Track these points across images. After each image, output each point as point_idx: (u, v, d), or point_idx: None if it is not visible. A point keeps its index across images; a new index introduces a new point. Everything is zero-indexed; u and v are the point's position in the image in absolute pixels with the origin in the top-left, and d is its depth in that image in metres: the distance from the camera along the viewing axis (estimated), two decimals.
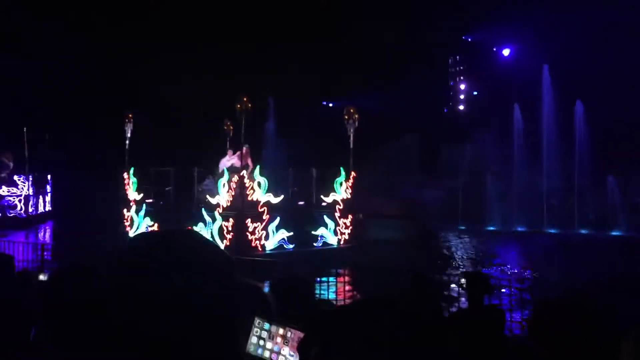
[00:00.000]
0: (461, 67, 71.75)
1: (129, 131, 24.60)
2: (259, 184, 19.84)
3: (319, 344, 1.48)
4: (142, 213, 22.94)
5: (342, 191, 21.69)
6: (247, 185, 19.65)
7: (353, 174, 21.93)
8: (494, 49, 60.70)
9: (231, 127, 25.37)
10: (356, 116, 22.05)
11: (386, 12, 56.49)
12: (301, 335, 1.92)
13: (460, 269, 19.44)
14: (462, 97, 71.57)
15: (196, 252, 1.25)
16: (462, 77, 71.59)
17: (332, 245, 21.44)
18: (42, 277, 10.24)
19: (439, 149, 46.10)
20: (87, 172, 37.25)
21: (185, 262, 1.21)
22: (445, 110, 70.84)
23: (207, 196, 20.44)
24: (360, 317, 1.47)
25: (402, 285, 5.90)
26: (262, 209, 19.75)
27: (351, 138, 22.01)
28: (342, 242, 21.73)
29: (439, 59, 66.64)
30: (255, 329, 2.16)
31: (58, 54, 43.33)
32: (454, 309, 10.69)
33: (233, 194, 19.66)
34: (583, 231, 31.79)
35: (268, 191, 20.26)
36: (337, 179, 21.71)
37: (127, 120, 24.69)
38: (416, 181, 36.83)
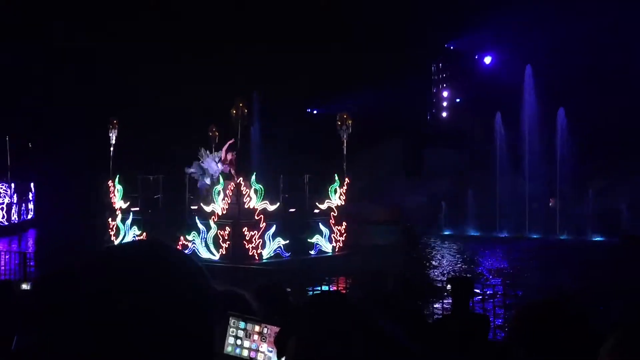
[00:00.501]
0: (444, 75, 72.28)
1: (114, 138, 24.08)
2: (256, 192, 19.31)
3: (296, 336, 1.55)
4: (128, 222, 22.32)
5: (336, 198, 21.35)
6: (243, 192, 19.15)
7: (347, 180, 21.67)
8: (476, 57, 61.29)
9: (217, 133, 24.91)
10: (349, 122, 21.83)
11: (370, 20, 56.84)
12: (277, 329, 1.94)
13: (445, 274, 19.61)
14: (445, 104, 72.09)
15: (165, 264, 1.24)
16: (444, 85, 72.14)
17: (327, 252, 21.04)
18: (24, 286, 10.21)
19: (423, 154, 46.38)
20: (72, 180, 36.86)
21: (152, 275, 1.21)
22: (428, 116, 71.31)
23: (202, 204, 19.96)
24: (318, 310, 1.59)
25: (389, 289, 5.99)
26: (259, 217, 19.18)
27: (344, 144, 21.85)
28: (337, 250, 21.36)
29: (422, 66, 67.15)
30: (231, 329, 2.16)
31: (40, 60, 42.98)
32: (438, 315, 10.81)
33: (229, 201, 19.14)
34: (564, 237, 32.15)
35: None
36: (331, 186, 21.31)
37: (111, 127, 24.15)
38: (400, 186, 37.02)
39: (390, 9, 57.61)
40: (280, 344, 1.67)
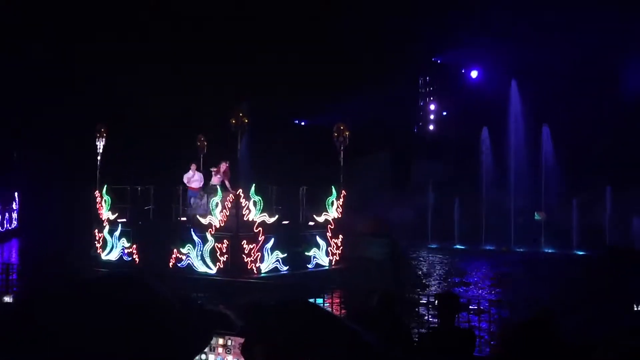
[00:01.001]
0: (431, 88, 72.82)
1: (101, 146, 23.26)
2: (255, 204, 18.69)
3: (261, 344, 1.56)
4: (117, 234, 21.47)
5: (333, 210, 20.98)
6: (243, 204, 18.48)
7: (343, 192, 21.30)
8: (462, 71, 61.81)
9: (205, 143, 24.41)
10: (346, 133, 21.47)
11: (358, 32, 57.16)
12: (241, 340, 1.92)
13: (431, 289, 19.65)
14: (432, 117, 72.57)
15: (144, 304, 1.24)
16: (431, 98, 72.64)
17: (324, 266, 20.58)
18: (7, 299, 10.06)
19: (410, 167, 46.56)
20: (58, 189, 36.42)
21: (128, 308, 1.21)
22: (415, 129, 71.70)
23: (198, 216, 19.38)
24: (282, 317, 1.61)
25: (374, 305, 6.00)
26: (258, 230, 18.63)
27: (341, 155, 21.53)
28: (333, 263, 20.95)
29: (409, 79, 67.61)
30: None
31: (26, 66, 42.65)
32: (424, 329, 10.82)
33: (228, 213, 18.50)
34: (549, 250, 32.35)
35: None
36: (328, 198, 20.93)
37: (99, 135, 23.26)
38: (387, 198, 37.10)
39: (378, 21, 58.06)
40: (246, 354, 1.65)
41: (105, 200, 21.88)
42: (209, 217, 18.87)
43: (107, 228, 21.74)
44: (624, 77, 36.47)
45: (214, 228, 18.65)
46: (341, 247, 21.24)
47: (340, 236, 21.20)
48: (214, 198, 18.95)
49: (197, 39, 51.05)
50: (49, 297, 1.33)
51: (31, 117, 42.46)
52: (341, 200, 21.14)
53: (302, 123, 59.76)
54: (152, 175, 28.56)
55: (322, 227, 20.72)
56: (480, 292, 19.14)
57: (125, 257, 20.98)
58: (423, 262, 28.34)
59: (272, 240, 18.96)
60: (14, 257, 28.64)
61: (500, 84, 39.19)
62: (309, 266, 20.14)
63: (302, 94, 53.04)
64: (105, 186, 22.07)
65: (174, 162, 25.23)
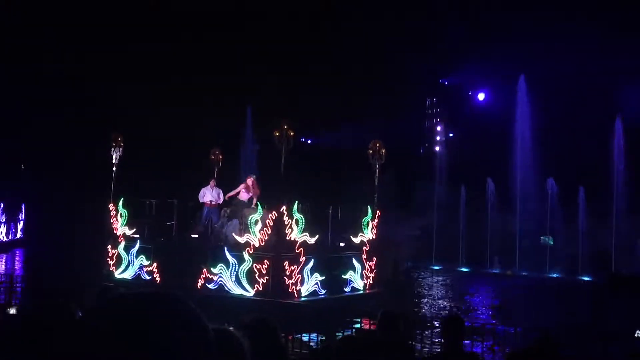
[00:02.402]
0: (437, 109, 73.11)
1: (117, 157, 21.45)
2: (297, 222, 17.34)
3: None
4: (134, 250, 19.86)
5: (369, 231, 19.76)
6: (285, 223, 17.05)
7: (378, 212, 20.15)
8: (469, 93, 62.12)
9: (220, 157, 22.92)
10: (383, 151, 20.21)
11: (365, 52, 57.59)
12: None
13: (436, 311, 19.63)
14: (438, 138, 72.76)
15: (171, 324, 1.22)
16: (438, 119, 72.89)
17: (359, 290, 19.34)
18: (11, 310, 10.13)
19: (415, 188, 46.59)
20: (63, 201, 36.22)
21: (155, 335, 1.19)
22: (421, 150, 71.83)
23: (233, 234, 17.98)
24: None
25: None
26: (299, 250, 17.28)
27: (377, 174, 20.20)
28: (367, 287, 19.68)
29: (416, 100, 67.91)
30: None
31: (38, 75, 42.75)
32: (427, 350, 10.84)
33: (269, 232, 17.04)
34: (554, 275, 32.25)
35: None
36: (364, 218, 19.73)
37: (114, 145, 21.46)
38: (391, 219, 37.09)
39: (385, 43, 58.47)
40: None
41: (121, 214, 20.31)
42: (245, 235, 17.39)
43: (122, 244, 20.13)
44: (629, 103, 36.65)
45: (252, 247, 17.26)
46: (375, 271, 20.08)
47: (374, 258, 20.04)
48: (252, 215, 17.44)
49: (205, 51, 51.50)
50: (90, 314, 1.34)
51: (40, 129, 42.49)
52: (376, 220, 20.04)
53: (309, 141, 60.02)
54: (169, 188, 27.56)
55: (357, 249, 19.48)
56: (483, 316, 19.11)
57: (143, 276, 19.51)
58: (425, 284, 28.29)
59: (312, 261, 17.63)
60: (18, 268, 28.74)
61: (507, 106, 39.36)
62: (346, 290, 18.90)
63: (308, 114, 53.34)
64: (122, 199, 20.53)
65: (193, 177, 24.28)
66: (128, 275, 19.88)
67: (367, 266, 19.63)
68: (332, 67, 55.76)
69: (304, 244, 17.40)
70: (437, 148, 73.09)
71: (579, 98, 41.68)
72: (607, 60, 38.67)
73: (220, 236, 19.01)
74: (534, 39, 48.18)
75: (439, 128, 72.56)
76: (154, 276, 19.31)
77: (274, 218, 17.06)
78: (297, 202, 17.69)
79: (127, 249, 20.01)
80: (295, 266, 17.13)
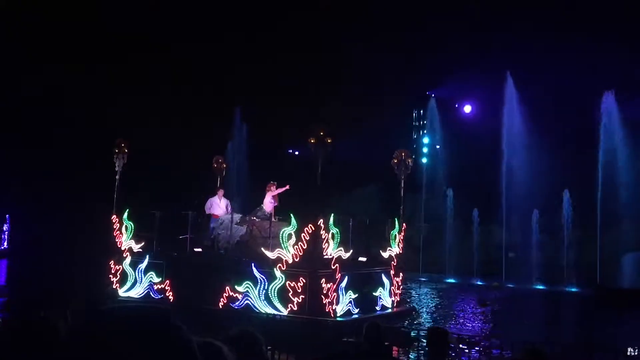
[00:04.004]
0: (424, 121, 73.47)
1: (121, 165, 19.72)
2: (333, 236, 15.98)
3: None
4: (142, 266, 18.19)
5: (396, 245, 18.70)
6: (322, 237, 15.63)
7: (404, 225, 19.25)
8: (456, 105, 62.52)
9: (224, 165, 21.57)
10: (409, 161, 19.47)
11: (352, 64, 57.81)
12: None
13: (421, 323, 19.56)
14: (425, 150, 73.01)
15: (154, 338, 1.22)
16: (425, 131, 73.22)
17: (388, 308, 18.20)
18: None
19: (401, 199, 46.59)
20: (64, 210, 34.60)
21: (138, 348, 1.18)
22: (408, 162, 72.01)
23: (262, 248, 16.47)
24: None
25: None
26: (335, 266, 15.93)
27: (402, 184, 19.41)
28: (395, 305, 18.58)
29: (403, 111, 68.20)
30: None
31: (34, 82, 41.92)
32: None
33: (305, 247, 15.63)
34: (540, 286, 32.36)
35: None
36: (392, 231, 18.62)
37: (117, 151, 19.83)
38: (378, 230, 37.07)
39: (371, 54, 58.75)
40: None
41: (126, 227, 18.68)
42: (277, 250, 15.92)
43: (128, 259, 18.49)
44: (610, 117, 37.16)
45: (284, 263, 15.82)
46: (401, 287, 19.08)
47: (401, 274, 18.94)
48: (285, 229, 15.95)
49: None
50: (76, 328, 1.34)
51: (32, 139, 41.26)
52: (402, 234, 19.02)
53: (296, 152, 60.03)
54: (174, 199, 26.33)
55: (386, 264, 18.33)
56: (469, 328, 19.07)
57: (154, 295, 17.82)
58: (412, 295, 28.23)
59: (346, 278, 16.34)
60: (1, 279, 28.38)
61: (494, 118, 39.65)
62: (377, 308, 17.74)
63: (295, 124, 53.34)
64: (127, 211, 18.85)
65: (194, 186, 23.27)
66: (135, 293, 18.21)
67: (394, 282, 18.49)
68: (319, 78, 55.93)
69: (339, 259, 16.11)
70: (424, 160, 73.47)
71: (563, 109, 42.09)
72: (589, 77, 39.19)
73: (227, 247, 17.77)
74: (519, 52, 48.65)
75: (426, 140, 72.89)
76: (166, 294, 17.67)
77: (310, 232, 15.58)
78: (333, 214, 16.36)
79: (134, 264, 18.36)
80: (332, 284, 15.72)
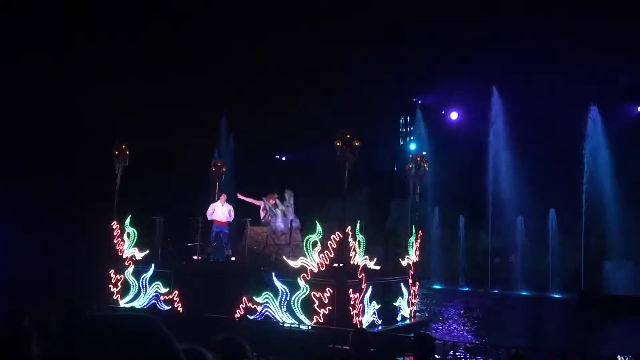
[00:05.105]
0: (411, 128, 73.84)
1: (121, 168, 18.51)
2: (359, 244, 15.23)
3: None
4: (147, 276, 17.22)
5: (413, 253, 18.09)
6: (350, 245, 14.86)
7: (420, 232, 18.54)
8: (442, 112, 62.85)
9: (223, 169, 20.61)
10: (425, 165, 18.67)
11: (340, 71, 58.04)
12: None
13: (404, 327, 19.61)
14: (411, 156, 73.45)
15: (140, 347, 1.22)
16: (411, 137, 73.59)
17: (406, 318, 17.55)
18: None
19: (389, 205, 46.79)
20: (66, 218, 33.00)
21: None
22: (395, 168, 72.29)
23: (284, 257, 15.74)
24: None
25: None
26: (361, 276, 15.15)
27: (417, 190, 18.80)
28: (412, 315, 17.94)
29: (390, 118, 68.52)
30: None
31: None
32: None
33: (332, 255, 14.78)
34: (525, 292, 32.57)
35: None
36: (410, 239, 18.04)
37: (118, 153, 18.62)
38: (366, 236, 37.12)
39: (361, 61, 59.01)
40: None
41: (128, 234, 17.68)
42: (301, 259, 15.13)
43: (131, 268, 17.47)
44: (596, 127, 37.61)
45: (309, 273, 14.95)
46: (417, 297, 18.30)
47: (417, 283, 18.26)
48: (310, 236, 15.18)
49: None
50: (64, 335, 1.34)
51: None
52: (419, 241, 18.38)
53: (283, 158, 60.05)
54: (173, 204, 25.43)
55: (404, 273, 17.71)
56: (454, 334, 19.17)
57: (160, 306, 16.89)
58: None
59: (370, 288, 15.55)
60: None
61: (480, 125, 39.94)
62: (398, 319, 17.04)
63: (282, 129, 53.34)
64: (130, 217, 17.80)
65: (191, 190, 22.32)
66: (139, 304, 17.23)
67: (412, 292, 17.93)
68: (309, 82, 56.04)
69: (365, 268, 15.30)
70: (411, 166, 73.86)
71: (549, 119, 42.50)
72: (577, 85, 39.65)
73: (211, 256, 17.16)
74: (506, 59, 49.11)
75: (412, 146, 73.28)
76: (175, 305, 16.70)
77: (337, 240, 14.72)
78: (359, 221, 15.53)
79: (138, 274, 17.33)
80: (358, 294, 14.93)
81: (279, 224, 17.14)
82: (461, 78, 50.96)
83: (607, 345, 17.23)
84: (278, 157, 60.21)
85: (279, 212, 17.27)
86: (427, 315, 20.30)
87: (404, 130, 75.69)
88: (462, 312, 23.37)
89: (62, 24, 43.84)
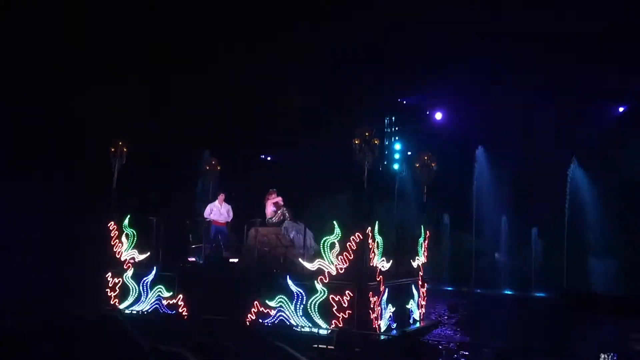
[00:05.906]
0: (396, 128, 73.99)
1: (119, 165, 18.07)
2: (377, 245, 15.04)
3: None
4: (148, 279, 16.64)
5: (422, 254, 17.94)
6: (370, 246, 14.61)
7: (428, 233, 18.48)
8: (427, 112, 63.08)
9: (218, 167, 19.99)
10: (433, 165, 18.23)
11: (323, 69, 57.95)
12: None
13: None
14: (396, 156, 73.54)
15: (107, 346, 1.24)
16: (397, 138, 73.74)
17: (417, 321, 17.31)
18: None
19: (374, 205, 46.82)
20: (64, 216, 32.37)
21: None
22: (380, 168, 72.44)
23: (300, 259, 15.24)
24: None
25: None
26: (379, 279, 14.95)
27: (425, 189, 18.62)
28: (421, 317, 17.72)
29: (375, 118, 68.51)
30: None
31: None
32: None
33: (351, 257, 14.43)
34: (508, 291, 32.78)
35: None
36: (419, 239, 17.83)
37: (114, 151, 18.13)
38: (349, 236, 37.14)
39: (344, 60, 58.98)
40: None
41: (127, 235, 17.23)
42: (317, 261, 14.70)
43: (130, 271, 16.95)
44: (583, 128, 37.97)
45: (326, 276, 14.57)
46: (425, 299, 18.19)
47: (426, 285, 18.08)
48: (328, 237, 14.71)
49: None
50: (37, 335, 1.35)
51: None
52: (427, 242, 18.26)
53: (268, 158, 59.89)
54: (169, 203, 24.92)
55: (415, 275, 17.53)
56: (439, 333, 19.22)
57: (163, 310, 16.34)
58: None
59: (387, 291, 15.32)
60: None
61: (465, 126, 40.13)
62: (410, 322, 16.86)
63: (266, 130, 53.18)
64: (128, 217, 17.35)
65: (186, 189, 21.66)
66: (140, 309, 16.75)
67: (421, 293, 17.75)
68: (293, 82, 55.92)
69: (381, 270, 15.12)
70: (396, 166, 74.02)
71: (537, 121, 42.88)
72: (562, 97, 40.05)
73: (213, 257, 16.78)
74: (490, 62, 49.36)
75: (397, 146, 73.45)
76: (179, 310, 16.13)
77: (357, 241, 14.43)
78: (377, 221, 15.28)
79: (138, 277, 16.77)
80: (377, 297, 14.66)
81: (288, 224, 16.78)
82: (446, 78, 51.16)
83: (590, 344, 17.38)
84: (263, 157, 60.06)
85: (287, 212, 17.01)
86: (433, 318, 20.11)
87: (388, 130, 75.85)
88: (450, 310, 23.46)
89: (62, 24, 43.43)
